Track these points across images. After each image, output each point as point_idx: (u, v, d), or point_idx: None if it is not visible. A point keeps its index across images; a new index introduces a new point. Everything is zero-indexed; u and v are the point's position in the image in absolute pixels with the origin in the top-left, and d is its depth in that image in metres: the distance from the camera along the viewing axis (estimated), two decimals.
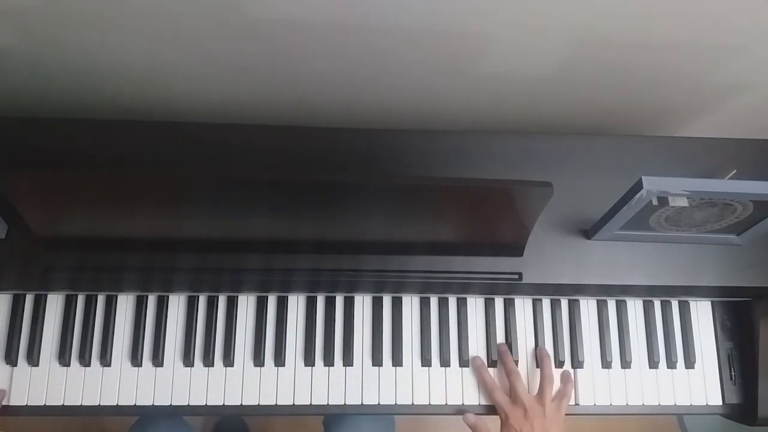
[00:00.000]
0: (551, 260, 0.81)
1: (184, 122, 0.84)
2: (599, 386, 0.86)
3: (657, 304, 0.90)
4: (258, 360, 0.83)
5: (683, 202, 0.67)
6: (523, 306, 0.88)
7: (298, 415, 0.82)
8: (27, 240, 0.74)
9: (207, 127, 0.83)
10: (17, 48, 0.81)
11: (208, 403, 0.82)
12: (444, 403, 0.84)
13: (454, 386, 0.85)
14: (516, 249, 0.79)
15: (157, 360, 0.83)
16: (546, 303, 0.89)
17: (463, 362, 0.86)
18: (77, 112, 0.96)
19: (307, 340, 0.84)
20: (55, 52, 0.82)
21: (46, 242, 0.74)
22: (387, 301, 0.87)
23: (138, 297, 0.85)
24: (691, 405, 0.87)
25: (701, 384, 0.88)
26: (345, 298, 0.87)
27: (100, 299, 0.85)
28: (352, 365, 0.84)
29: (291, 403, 0.82)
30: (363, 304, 0.87)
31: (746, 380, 0.87)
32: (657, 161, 0.87)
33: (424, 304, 0.87)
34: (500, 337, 0.87)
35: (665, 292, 0.85)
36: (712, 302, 0.91)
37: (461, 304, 0.87)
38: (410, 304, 0.87)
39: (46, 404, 0.80)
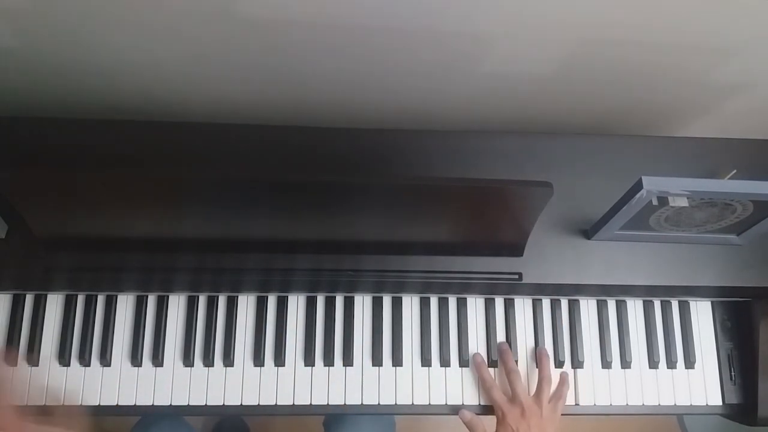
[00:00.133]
0: (551, 260, 0.81)
1: (184, 122, 0.84)
2: (599, 386, 0.86)
3: (657, 304, 0.90)
4: (258, 360, 0.83)
5: (683, 202, 0.67)
6: (523, 306, 0.88)
7: (298, 415, 0.83)
8: (27, 240, 0.74)
9: (207, 127, 0.83)
10: (17, 48, 0.81)
11: (208, 403, 0.82)
12: (444, 403, 0.84)
13: (454, 386, 0.85)
14: (516, 249, 0.79)
15: (157, 360, 0.82)
16: (546, 303, 0.89)
17: (463, 362, 0.86)
18: (77, 112, 0.96)
19: (307, 340, 0.84)
20: (54, 52, 0.82)
21: (46, 242, 0.74)
22: (387, 301, 0.87)
23: (138, 297, 0.85)
24: (691, 405, 0.87)
25: (701, 384, 0.88)
26: (345, 298, 0.87)
27: (100, 299, 0.84)
28: (352, 365, 0.84)
29: (291, 403, 0.82)
30: (363, 304, 0.87)
31: (746, 380, 0.87)
32: (657, 161, 0.87)
33: (424, 304, 0.87)
34: (500, 337, 0.87)
35: (665, 292, 0.85)
36: (712, 302, 0.91)
37: (461, 304, 0.87)
38: (410, 304, 0.87)
39: (46, 404, 0.80)
